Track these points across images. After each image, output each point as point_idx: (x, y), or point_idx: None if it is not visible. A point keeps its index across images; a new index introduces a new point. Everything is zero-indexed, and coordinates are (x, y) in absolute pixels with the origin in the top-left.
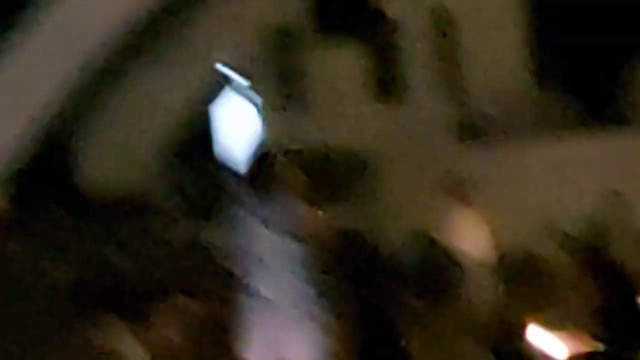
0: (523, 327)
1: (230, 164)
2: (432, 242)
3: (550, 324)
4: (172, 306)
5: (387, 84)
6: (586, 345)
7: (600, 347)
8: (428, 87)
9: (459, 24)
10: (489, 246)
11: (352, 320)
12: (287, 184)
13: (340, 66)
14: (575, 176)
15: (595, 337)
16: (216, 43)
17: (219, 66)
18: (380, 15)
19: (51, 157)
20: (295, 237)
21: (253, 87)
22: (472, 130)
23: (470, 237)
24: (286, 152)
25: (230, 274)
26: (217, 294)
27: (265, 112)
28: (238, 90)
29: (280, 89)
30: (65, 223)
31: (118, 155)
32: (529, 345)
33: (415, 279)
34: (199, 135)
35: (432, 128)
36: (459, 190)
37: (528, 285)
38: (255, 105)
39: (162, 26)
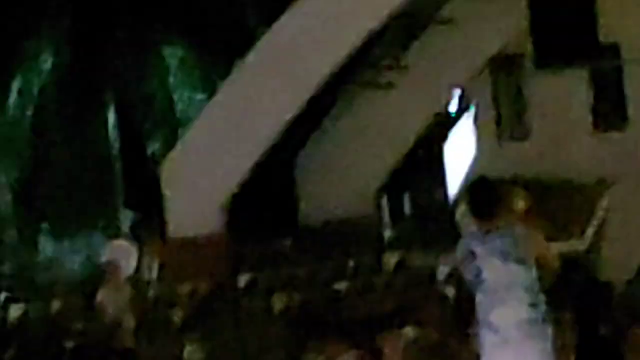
0: None
1: (453, 191)
2: None
3: None
4: (400, 335)
5: (609, 110)
6: None
7: None
8: None
9: None
10: None
11: (577, 351)
12: (510, 209)
13: (561, 93)
14: None
15: None
16: (442, 71)
17: (449, 92)
18: (601, 41)
19: (272, 183)
20: (523, 263)
21: (475, 114)
22: None
23: None
24: (507, 180)
25: (458, 303)
26: (446, 323)
27: (487, 138)
28: (462, 116)
29: (502, 116)
30: (290, 253)
31: (340, 183)
32: None
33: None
34: (420, 162)
35: None
36: None
37: None
38: (477, 131)
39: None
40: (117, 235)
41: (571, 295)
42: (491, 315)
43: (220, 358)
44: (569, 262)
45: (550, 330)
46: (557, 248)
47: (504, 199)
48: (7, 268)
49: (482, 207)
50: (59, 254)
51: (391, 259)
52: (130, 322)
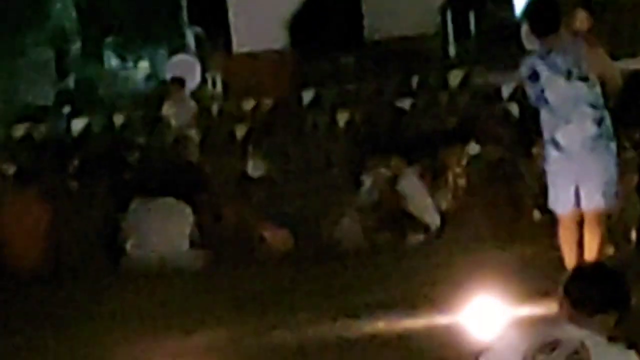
0: None
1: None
2: None
3: None
4: (463, 150)
5: None
6: None
7: None
8: None
9: None
10: None
11: (636, 164)
12: (572, 28)
13: None
14: None
15: None
16: None
17: None
18: None
19: None
20: (586, 80)
21: None
22: None
23: None
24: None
25: (522, 120)
26: (508, 141)
27: None
28: None
29: None
30: (354, 69)
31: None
32: None
33: None
34: None
35: None
36: None
37: None
38: None
39: None
40: (181, 50)
41: (636, 114)
42: (556, 132)
43: (283, 173)
44: (634, 80)
45: (613, 146)
46: (623, 64)
47: (565, 17)
48: (70, 82)
49: (543, 25)
50: (123, 68)
51: (455, 76)
52: (194, 136)
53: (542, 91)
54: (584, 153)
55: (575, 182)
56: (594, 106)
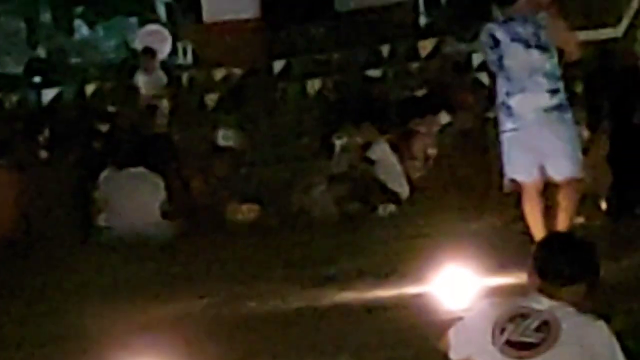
0: None
1: None
2: None
3: None
4: (434, 119)
5: None
6: None
7: None
8: None
9: None
10: None
11: (607, 134)
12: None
13: None
14: None
15: None
16: None
17: None
18: None
19: None
20: (545, 49)
21: None
22: None
23: None
24: None
25: (493, 89)
26: (474, 108)
27: None
28: None
29: None
30: (325, 39)
31: None
32: None
33: None
34: None
35: None
36: None
37: None
38: None
39: None
40: (151, 20)
41: (606, 83)
42: (509, 99)
43: (254, 142)
44: (605, 50)
45: (569, 116)
46: (587, 36)
47: None
48: (41, 51)
49: None
50: (93, 38)
51: (426, 46)
52: (164, 106)
53: (500, 58)
54: (540, 125)
55: (534, 153)
56: (550, 77)
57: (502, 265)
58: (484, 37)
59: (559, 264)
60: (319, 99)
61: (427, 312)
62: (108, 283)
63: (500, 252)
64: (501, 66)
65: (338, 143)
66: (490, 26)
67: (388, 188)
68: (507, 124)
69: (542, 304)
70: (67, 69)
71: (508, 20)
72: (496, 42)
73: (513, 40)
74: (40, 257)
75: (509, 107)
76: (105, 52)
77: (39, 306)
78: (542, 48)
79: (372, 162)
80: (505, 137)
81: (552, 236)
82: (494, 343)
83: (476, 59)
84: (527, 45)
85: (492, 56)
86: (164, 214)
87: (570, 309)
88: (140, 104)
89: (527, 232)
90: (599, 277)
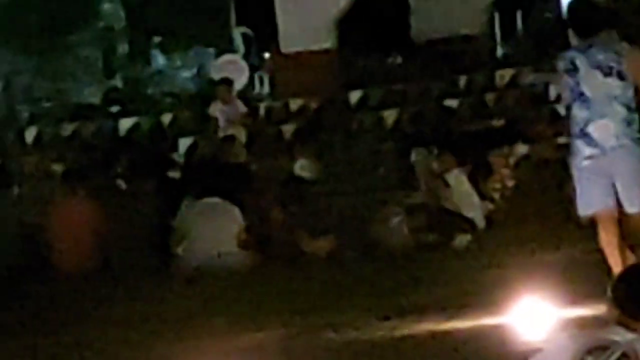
0: None
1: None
2: None
3: None
4: (511, 151)
5: None
6: None
7: None
8: None
9: None
10: None
11: None
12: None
13: None
14: None
15: None
16: None
17: None
18: None
19: None
20: (623, 78)
21: None
22: None
23: None
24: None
25: (564, 120)
26: (551, 140)
27: None
28: None
29: None
30: (401, 69)
31: None
32: None
33: None
34: None
35: None
36: None
37: None
38: None
39: None
40: (228, 50)
41: None
42: (588, 126)
43: (330, 173)
44: None
45: (638, 151)
46: None
47: (606, 17)
48: (118, 81)
49: (583, 27)
50: (170, 68)
51: (503, 76)
52: (241, 137)
53: (578, 84)
54: (616, 154)
55: (610, 182)
56: (626, 107)
57: (579, 296)
58: (563, 63)
59: (636, 296)
60: (395, 130)
61: (504, 344)
62: (187, 313)
63: (578, 284)
64: (579, 93)
65: (417, 168)
66: (570, 53)
67: (464, 216)
68: (584, 152)
69: (621, 336)
70: (143, 99)
71: (588, 46)
72: (575, 69)
73: (593, 67)
74: (119, 286)
75: (587, 134)
76: (182, 82)
77: (118, 336)
78: (621, 77)
79: (447, 185)
80: (580, 167)
81: (631, 268)
82: None
83: (553, 90)
84: (607, 74)
85: (570, 82)
86: (241, 244)
87: None
88: (218, 134)
89: (604, 263)
90: None
